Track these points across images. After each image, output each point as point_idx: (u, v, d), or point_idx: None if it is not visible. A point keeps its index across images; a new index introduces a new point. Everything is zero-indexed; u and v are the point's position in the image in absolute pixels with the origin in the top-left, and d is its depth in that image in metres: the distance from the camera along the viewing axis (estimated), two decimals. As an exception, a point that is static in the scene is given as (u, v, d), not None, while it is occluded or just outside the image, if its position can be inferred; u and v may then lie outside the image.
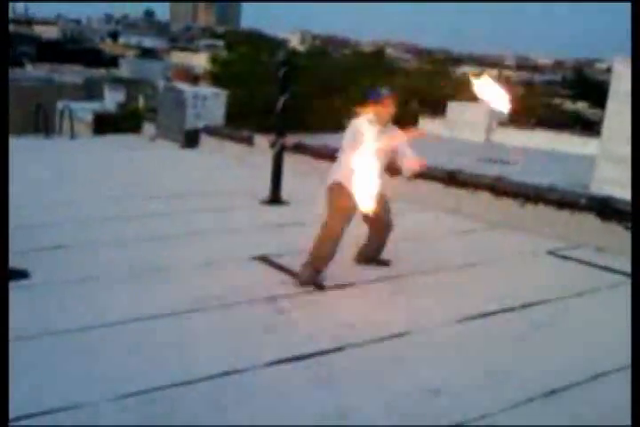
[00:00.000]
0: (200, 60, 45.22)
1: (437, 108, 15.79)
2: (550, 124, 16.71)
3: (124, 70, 40.87)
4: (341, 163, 4.82)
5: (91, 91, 27.68)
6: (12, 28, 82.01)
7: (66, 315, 4.19)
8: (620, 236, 5.94)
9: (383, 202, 4.94)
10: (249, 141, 10.85)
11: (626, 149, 6.05)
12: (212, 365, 3.58)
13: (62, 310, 4.27)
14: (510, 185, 7.15)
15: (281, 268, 5.23)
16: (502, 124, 13.91)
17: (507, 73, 56.62)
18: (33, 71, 38.11)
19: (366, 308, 4.61)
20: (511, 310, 4.63)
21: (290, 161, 8.10)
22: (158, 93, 15.13)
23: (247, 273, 5.15)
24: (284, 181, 7.74)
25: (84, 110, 20.14)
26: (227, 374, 3.50)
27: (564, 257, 5.99)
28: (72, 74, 35.61)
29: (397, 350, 3.94)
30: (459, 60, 71.63)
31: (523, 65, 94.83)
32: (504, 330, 4.32)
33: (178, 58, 60.51)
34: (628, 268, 4.65)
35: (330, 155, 6.71)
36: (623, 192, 5.96)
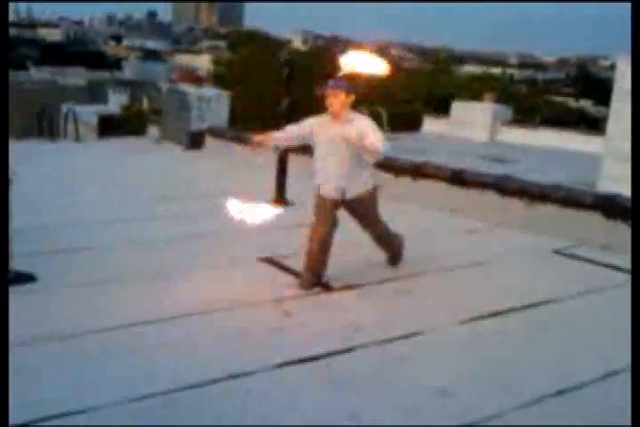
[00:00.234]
0: (203, 62, 45.33)
1: (441, 108, 15.79)
2: (554, 123, 16.70)
3: (127, 72, 40.98)
4: None
5: (94, 93, 27.72)
6: (15, 31, 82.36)
7: (73, 319, 4.20)
8: (626, 234, 5.90)
9: (367, 199, 4.91)
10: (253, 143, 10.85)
11: (631, 147, 6.04)
12: (219, 368, 3.58)
13: (69, 314, 4.28)
14: (515, 184, 7.14)
15: (287, 269, 5.23)
16: (506, 122, 13.90)
17: (510, 71, 56.53)
18: (36, 74, 38.17)
19: (374, 309, 4.61)
20: (518, 309, 4.62)
21: (295, 162, 8.10)
22: (162, 95, 15.16)
23: (253, 275, 5.16)
24: (289, 183, 7.74)
25: (89, 113, 20.16)
26: (235, 377, 3.50)
27: (571, 256, 5.98)
28: (75, 76, 35.65)
29: (406, 350, 3.94)
30: (461, 59, 71.59)
31: (526, 63, 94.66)
32: (512, 330, 4.31)
33: (181, 59, 60.63)
34: (635, 266, 4.64)
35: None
36: (629, 190, 5.95)
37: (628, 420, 3.17)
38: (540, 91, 31.99)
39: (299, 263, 5.09)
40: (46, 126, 19.07)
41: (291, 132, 5.02)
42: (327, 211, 4.84)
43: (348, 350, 3.88)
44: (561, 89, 44.92)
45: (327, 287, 4.89)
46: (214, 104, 12.58)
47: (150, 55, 64.10)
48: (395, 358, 3.84)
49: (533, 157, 11.24)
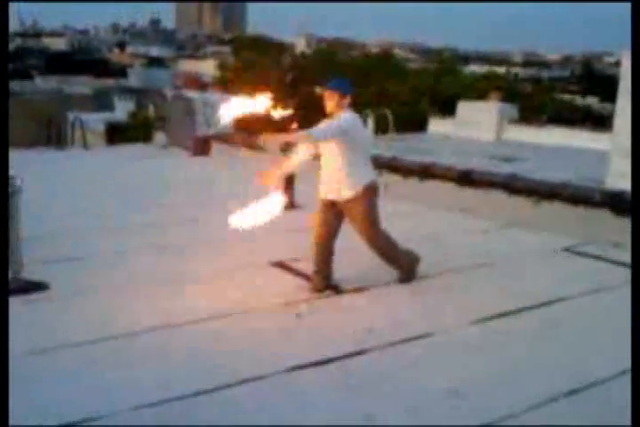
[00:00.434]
0: (208, 67, 45.44)
1: (447, 108, 15.78)
2: (561, 121, 16.66)
3: (132, 80, 41.11)
4: None
5: (101, 101, 27.84)
6: (20, 41, 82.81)
7: (85, 326, 4.21)
8: (637, 231, 5.90)
9: (360, 201, 4.81)
10: (260, 147, 10.88)
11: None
12: (233, 372, 3.60)
13: (82, 322, 4.30)
14: (523, 183, 7.14)
15: (298, 273, 5.24)
16: (512, 121, 13.87)
17: (515, 70, 56.42)
18: (42, 83, 38.37)
19: (384, 310, 4.61)
20: (530, 308, 4.62)
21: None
22: (168, 102, 15.22)
23: (265, 279, 5.17)
24: (297, 186, 7.75)
25: (95, 121, 20.27)
26: (248, 380, 3.51)
27: (581, 254, 5.97)
28: (81, 85, 35.82)
29: (418, 352, 3.94)
30: (466, 59, 71.50)
31: (531, 61, 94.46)
32: (524, 329, 4.31)
33: (185, 65, 60.80)
34: (645, 263, 4.62)
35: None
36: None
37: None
38: (545, 89, 31.91)
39: (309, 266, 5.10)
40: (54, 135, 19.16)
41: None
42: (322, 212, 4.88)
43: (361, 352, 3.88)
44: (566, 86, 44.80)
45: (338, 290, 4.90)
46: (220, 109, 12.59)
47: (154, 62, 64.34)
48: (407, 359, 3.84)
49: (541, 155, 11.20)
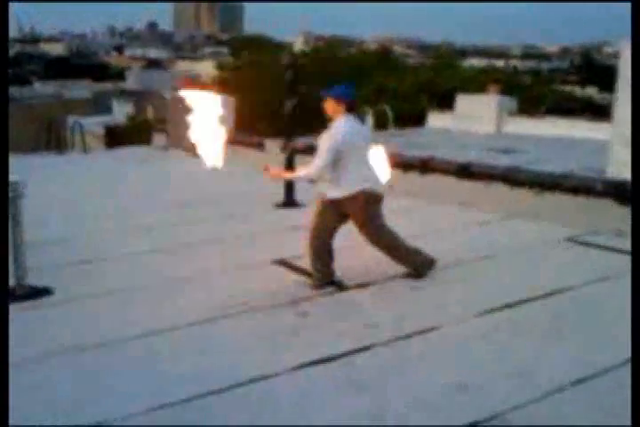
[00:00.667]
0: (206, 68, 45.40)
1: (446, 102, 15.75)
2: (560, 111, 16.61)
3: (131, 82, 41.08)
4: None
5: (100, 105, 27.90)
6: (18, 47, 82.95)
7: (91, 330, 4.21)
8: None
9: (356, 202, 4.76)
10: (260, 146, 10.88)
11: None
12: (239, 371, 3.59)
13: (87, 325, 4.29)
14: (524, 174, 7.12)
15: (300, 270, 5.23)
16: (512, 113, 13.84)
17: (513, 63, 56.33)
18: (41, 88, 38.42)
19: (388, 306, 4.60)
20: (536, 299, 4.60)
21: (302, 163, 8.10)
22: (166, 103, 15.20)
23: (268, 277, 5.16)
24: (298, 184, 7.74)
25: (95, 124, 20.31)
26: (255, 380, 3.50)
27: (584, 243, 5.95)
28: (80, 89, 35.89)
29: (423, 346, 3.93)
30: (463, 53, 71.40)
31: (529, 54, 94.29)
32: (530, 320, 4.29)
33: (183, 67, 60.80)
34: (649, 251, 4.60)
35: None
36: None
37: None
38: (544, 80, 31.82)
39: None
40: (54, 139, 19.20)
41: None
42: (319, 209, 4.89)
43: (366, 348, 3.87)
44: (566, 77, 44.72)
45: (341, 286, 4.89)
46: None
47: (153, 64, 64.40)
48: (413, 354, 3.83)
49: (542, 146, 11.18)
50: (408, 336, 4.03)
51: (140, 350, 3.91)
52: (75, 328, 4.24)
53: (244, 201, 7.97)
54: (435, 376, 3.56)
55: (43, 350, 3.86)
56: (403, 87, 20.97)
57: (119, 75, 48.64)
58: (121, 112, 23.17)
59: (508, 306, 4.48)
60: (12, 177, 4.57)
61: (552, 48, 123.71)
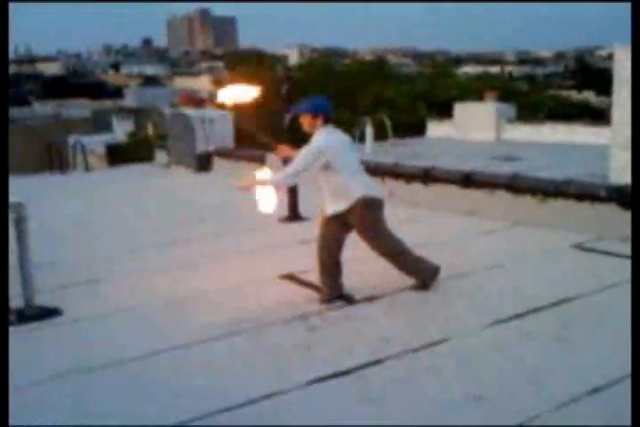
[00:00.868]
0: (203, 83, 45.59)
1: (444, 111, 15.81)
2: (558, 117, 16.65)
3: (129, 100, 41.30)
4: None
5: (99, 123, 27.99)
6: (15, 67, 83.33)
7: (99, 350, 4.20)
8: (645, 224, 5.88)
9: (356, 211, 4.77)
10: (261, 160, 10.90)
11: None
12: (251, 388, 3.58)
13: (95, 345, 4.29)
14: (527, 182, 7.12)
15: (308, 285, 5.23)
16: (511, 120, 13.89)
17: (508, 69, 56.53)
18: (40, 109, 38.60)
19: (398, 318, 4.59)
20: (545, 308, 4.60)
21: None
22: (166, 120, 15.27)
23: (276, 293, 5.16)
24: (301, 197, 7.76)
25: (96, 143, 20.37)
26: (268, 396, 3.49)
27: (590, 250, 5.95)
28: (79, 108, 36.03)
29: (435, 358, 3.93)
30: (459, 60, 71.67)
31: (524, 59, 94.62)
32: (540, 329, 4.28)
33: (180, 83, 61.05)
34: (657, 256, 4.60)
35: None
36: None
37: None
38: (540, 86, 31.94)
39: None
40: (56, 159, 19.25)
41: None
42: (323, 224, 4.92)
43: (378, 361, 3.87)
44: (561, 82, 44.88)
45: (350, 300, 4.89)
46: (218, 125, 12.64)
47: (150, 81, 64.65)
48: (425, 366, 3.82)
49: (542, 152, 11.21)
50: (420, 348, 4.02)
51: (151, 369, 3.90)
52: (83, 348, 4.22)
53: (248, 216, 7.96)
54: (448, 388, 3.55)
55: (50, 371, 3.85)
56: (400, 97, 21.05)
57: (117, 92, 48.86)
58: (121, 130, 23.25)
59: (518, 316, 4.47)
60: (15, 199, 4.58)
61: (546, 53, 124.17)
